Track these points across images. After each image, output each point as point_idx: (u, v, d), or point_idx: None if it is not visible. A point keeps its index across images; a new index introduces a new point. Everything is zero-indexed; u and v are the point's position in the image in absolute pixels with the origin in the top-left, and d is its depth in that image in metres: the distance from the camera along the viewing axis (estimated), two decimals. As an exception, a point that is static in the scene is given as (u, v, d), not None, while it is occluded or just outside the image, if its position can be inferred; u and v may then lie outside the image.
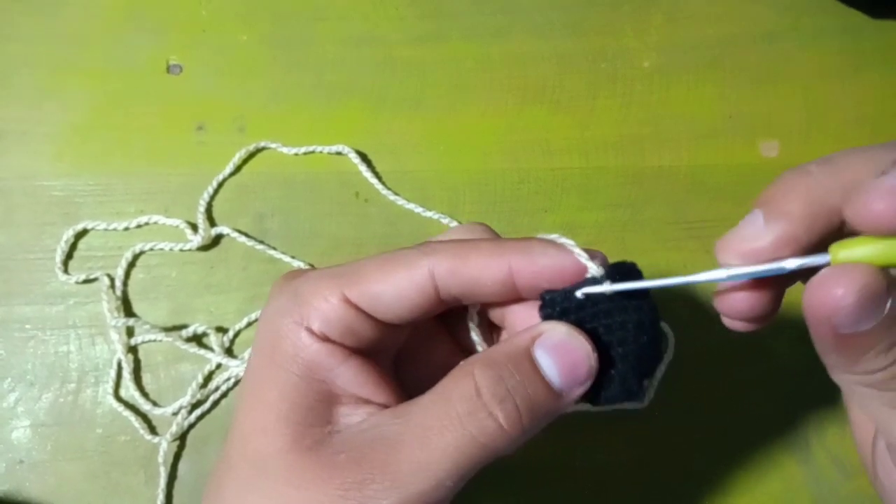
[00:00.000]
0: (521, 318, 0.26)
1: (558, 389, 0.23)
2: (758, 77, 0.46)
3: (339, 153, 0.42)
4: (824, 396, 0.41)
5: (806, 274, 0.21)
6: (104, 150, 0.42)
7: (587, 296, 0.24)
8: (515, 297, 0.25)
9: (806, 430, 0.41)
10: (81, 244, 0.41)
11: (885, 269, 0.20)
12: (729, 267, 0.22)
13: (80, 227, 0.41)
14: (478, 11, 0.46)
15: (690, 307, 0.42)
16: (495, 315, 0.27)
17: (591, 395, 0.25)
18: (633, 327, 0.24)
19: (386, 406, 0.25)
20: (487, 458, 0.23)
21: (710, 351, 0.41)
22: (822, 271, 0.20)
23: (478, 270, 0.24)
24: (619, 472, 0.39)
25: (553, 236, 0.25)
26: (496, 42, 0.45)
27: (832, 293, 0.20)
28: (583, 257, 0.24)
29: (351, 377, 0.24)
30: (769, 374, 0.41)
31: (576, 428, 0.40)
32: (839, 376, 0.23)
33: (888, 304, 0.20)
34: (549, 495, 0.39)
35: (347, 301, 0.24)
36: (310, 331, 0.24)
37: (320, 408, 0.24)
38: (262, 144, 0.42)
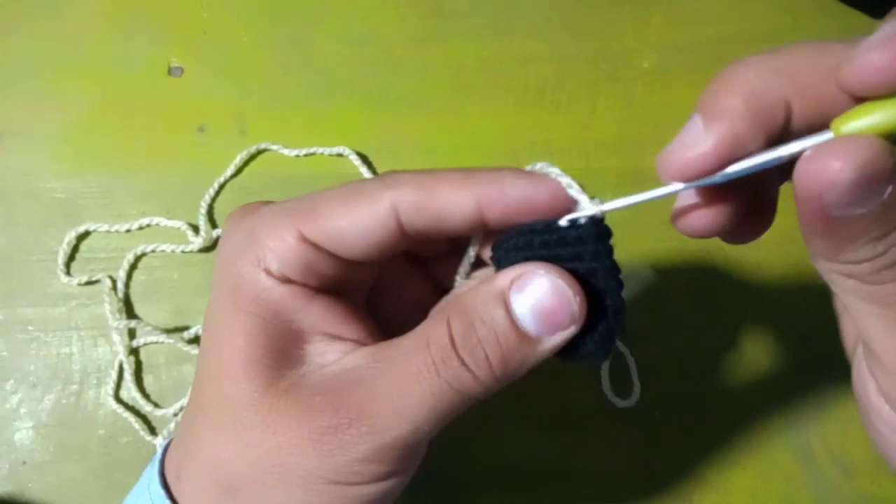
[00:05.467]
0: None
1: (535, 337, 0.21)
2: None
3: (339, 155, 0.43)
4: (825, 396, 0.41)
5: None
6: (106, 152, 0.42)
7: (542, 240, 0.22)
8: (488, 231, 0.24)
9: (807, 430, 0.41)
10: (83, 246, 0.41)
11: (892, 147, 0.17)
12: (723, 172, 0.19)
13: (81, 228, 0.41)
14: (478, 12, 0.46)
15: (690, 306, 0.42)
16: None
17: (567, 350, 0.22)
18: (604, 275, 0.21)
19: (358, 342, 0.24)
20: (465, 404, 0.22)
21: (710, 351, 0.41)
22: (821, 143, 0.18)
23: (445, 204, 0.22)
24: (619, 472, 0.39)
25: (539, 165, 0.23)
26: (496, 43, 0.45)
27: (828, 166, 0.17)
28: (573, 189, 0.22)
29: (319, 316, 0.23)
30: (769, 374, 0.41)
31: (576, 428, 0.40)
32: (821, 264, 0.20)
33: (889, 189, 0.17)
34: (549, 495, 0.39)
35: (305, 239, 0.23)
36: (269, 272, 0.23)
37: (291, 349, 0.23)
38: (264, 146, 0.43)
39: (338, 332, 0.24)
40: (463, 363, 0.21)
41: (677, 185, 0.21)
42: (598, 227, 0.22)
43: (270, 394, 0.23)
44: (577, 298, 0.21)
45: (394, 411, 0.21)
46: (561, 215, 0.22)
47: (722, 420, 0.40)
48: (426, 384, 0.21)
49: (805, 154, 0.18)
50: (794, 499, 0.40)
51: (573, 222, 0.22)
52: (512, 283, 0.22)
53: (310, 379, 0.23)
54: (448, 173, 0.23)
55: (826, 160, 0.17)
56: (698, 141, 0.19)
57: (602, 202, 0.22)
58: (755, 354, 0.42)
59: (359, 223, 0.23)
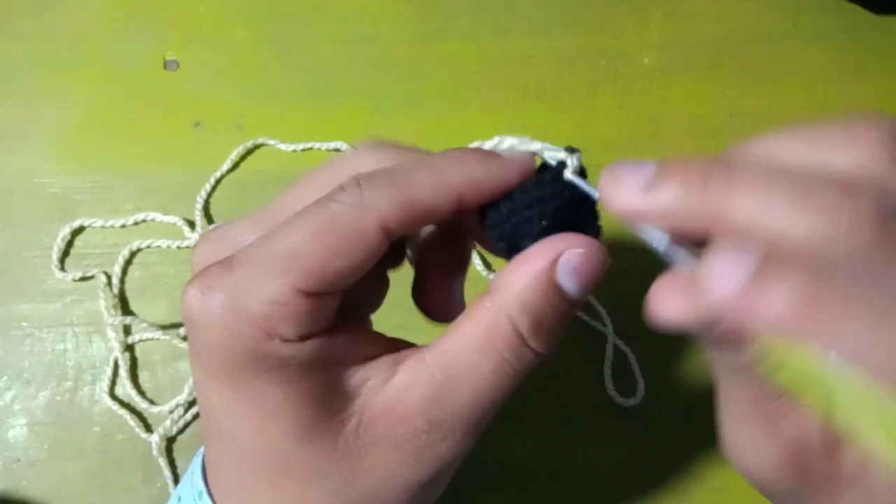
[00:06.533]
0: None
1: (578, 300, 0.23)
2: (758, 75, 0.46)
3: (337, 150, 0.42)
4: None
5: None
6: (101, 147, 0.42)
7: (533, 200, 0.23)
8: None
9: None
10: (78, 242, 0.41)
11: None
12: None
13: (76, 224, 0.40)
14: (477, 10, 0.46)
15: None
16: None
17: None
18: (588, 211, 0.24)
19: (387, 351, 0.24)
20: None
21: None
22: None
23: (427, 209, 0.22)
24: (619, 472, 0.39)
25: (515, 141, 0.24)
26: (496, 41, 0.45)
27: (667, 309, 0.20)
28: (548, 152, 0.24)
29: (345, 351, 0.23)
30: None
31: (576, 428, 0.40)
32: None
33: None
34: (549, 495, 0.39)
35: (304, 293, 0.21)
36: (286, 340, 0.21)
37: (336, 396, 0.23)
38: (260, 141, 0.42)
39: (366, 353, 0.23)
40: (535, 352, 0.23)
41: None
42: (579, 172, 0.24)
43: (342, 444, 0.23)
44: (609, 259, 0.23)
45: (475, 420, 0.23)
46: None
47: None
48: (500, 380, 0.23)
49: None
50: (794, 498, 0.40)
51: (556, 176, 0.24)
52: (554, 262, 0.22)
53: (374, 407, 0.23)
54: (420, 174, 0.22)
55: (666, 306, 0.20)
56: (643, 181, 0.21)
57: (573, 153, 0.24)
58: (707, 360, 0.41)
59: (354, 258, 0.21)
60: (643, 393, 0.40)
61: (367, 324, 0.27)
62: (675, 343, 0.41)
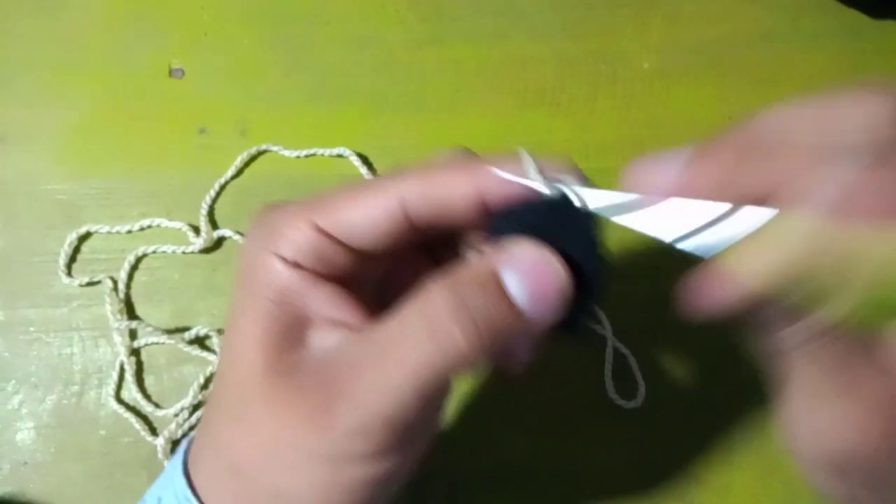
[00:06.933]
0: None
1: (526, 312, 0.22)
2: (758, 78, 0.46)
3: (340, 156, 0.43)
4: (825, 397, 0.41)
5: None
6: (107, 153, 0.42)
7: (532, 212, 0.23)
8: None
9: (807, 430, 0.41)
10: (84, 247, 0.41)
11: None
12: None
13: (83, 230, 0.41)
14: (478, 14, 0.46)
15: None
16: None
17: (565, 325, 0.23)
18: (588, 248, 0.23)
19: (361, 330, 0.25)
20: (448, 377, 0.22)
21: (710, 350, 0.41)
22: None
23: (446, 192, 0.24)
24: (619, 472, 0.39)
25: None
26: (496, 45, 0.46)
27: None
28: (535, 181, 0.23)
29: (324, 301, 0.24)
30: (770, 374, 0.41)
31: (576, 428, 0.40)
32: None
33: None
34: (549, 496, 0.39)
35: (318, 229, 0.24)
36: (281, 258, 0.24)
37: (294, 332, 0.24)
38: (264, 147, 0.43)
39: (341, 318, 0.25)
40: (449, 334, 0.21)
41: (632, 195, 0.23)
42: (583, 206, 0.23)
43: (270, 374, 0.23)
44: (565, 274, 0.22)
45: (377, 386, 0.22)
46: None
47: (722, 420, 0.40)
48: (408, 357, 0.22)
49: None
50: (794, 499, 0.40)
51: (564, 199, 0.23)
52: (501, 259, 0.23)
53: (307, 362, 0.24)
54: (444, 168, 0.24)
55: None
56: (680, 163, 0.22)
57: (581, 180, 0.24)
58: (756, 354, 0.41)
59: (368, 214, 0.24)
60: (644, 395, 0.40)
61: (367, 301, 0.26)
62: (677, 345, 0.41)
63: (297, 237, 0.24)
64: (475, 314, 0.22)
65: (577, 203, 0.23)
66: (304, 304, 0.24)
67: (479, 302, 0.22)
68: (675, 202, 0.21)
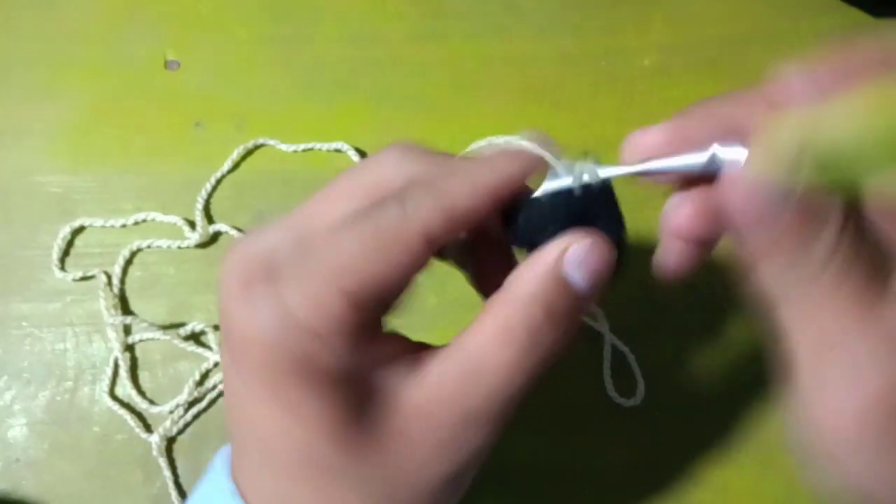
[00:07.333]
0: None
1: (587, 291, 0.24)
2: (758, 76, 0.45)
3: (338, 150, 0.42)
4: (824, 397, 0.41)
5: None
6: (101, 147, 0.42)
7: (553, 202, 0.25)
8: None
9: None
10: (78, 241, 0.41)
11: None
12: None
13: (77, 224, 0.40)
14: (479, 11, 0.46)
15: (690, 306, 0.41)
16: None
17: None
18: (609, 220, 0.25)
19: (405, 350, 0.24)
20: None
21: (710, 350, 0.41)
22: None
23: (466, 216, 0.24)
24: (619, 472, 0.39)
25: (524, 143, 0.26)
26: (497, 42, 0.45)
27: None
28: (553, 161, 0.26)
29: (380, 351, 0.24)
30: (771, 374, 0.41)
31: (576, 428, 0.40)
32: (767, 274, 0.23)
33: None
34: (549, 495, 0.39)
35: (352, 303, 0.22)
36: (331, 349, 0.22)
37: (367, 398, 0.23)
38: (261, 141, 0.42)
39: (389, 353, 0.24)
40: (551, 340, 0.24)
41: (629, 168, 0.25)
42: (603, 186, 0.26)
43: (375, 445, 0.23)
44: (609, 250, 0.24)
45: (502, 408, 0.24)
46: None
47: (722, 420, 0.40)
48: (522, 368, 0.23)
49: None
50: (794, 499, 0.40)
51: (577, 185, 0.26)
52: (560, 257, 0.24)
53: (406, 406, 0.23)
54: (456, 181, 0.24)
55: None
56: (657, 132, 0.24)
57: (595, 162, 0.26)
58: (756, 354, 0.41)
59: (400, 268, 0.23)
60: (643, 393, 0.40)
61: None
62: (676, 343, 0.41)
63: (335, 323, 0.22)
64: (560, 318, 0.24)
65: (590, 180, 0.25)
66: (370, 373, 0.23)
67: (557, 302, 0.24)
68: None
